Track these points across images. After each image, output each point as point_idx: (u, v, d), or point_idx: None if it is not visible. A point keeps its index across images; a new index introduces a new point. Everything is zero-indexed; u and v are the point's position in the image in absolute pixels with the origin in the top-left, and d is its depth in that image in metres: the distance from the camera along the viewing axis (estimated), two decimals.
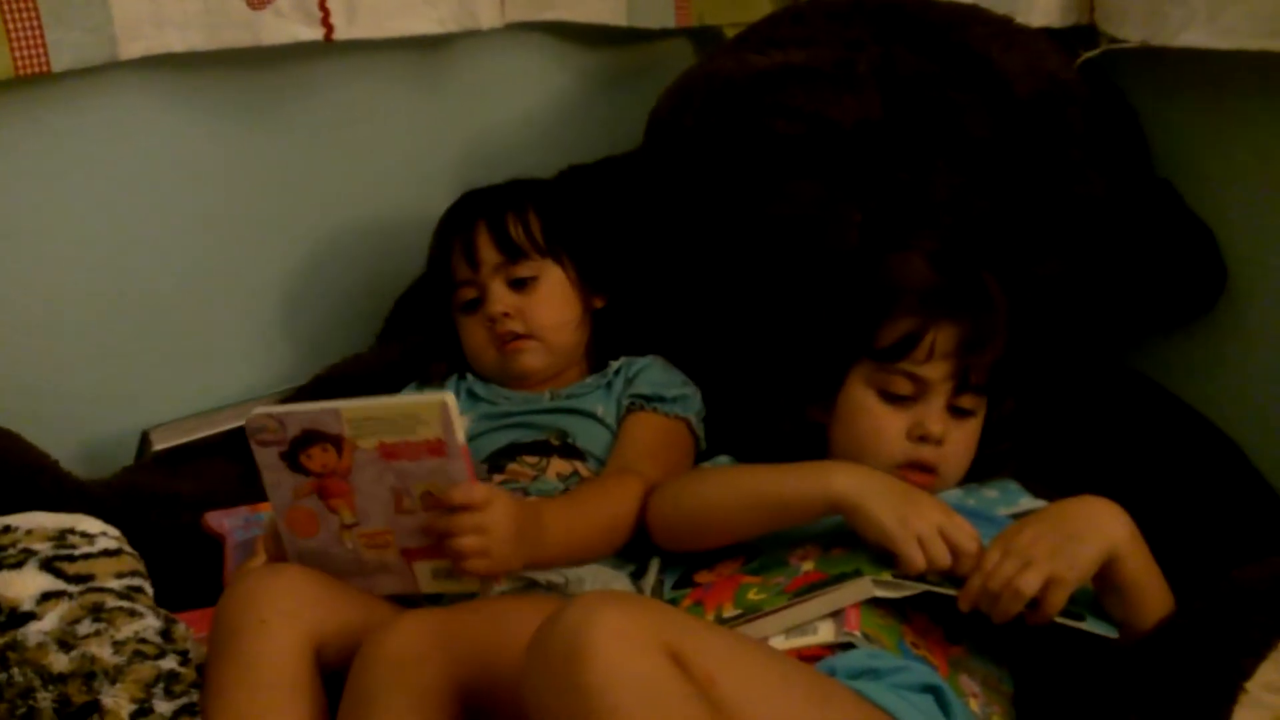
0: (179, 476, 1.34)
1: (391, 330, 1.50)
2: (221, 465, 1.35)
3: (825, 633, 1.01)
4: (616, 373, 1.34)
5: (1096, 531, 1.00)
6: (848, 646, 1.00)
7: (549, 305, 1.32)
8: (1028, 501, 1.19)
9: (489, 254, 1.32)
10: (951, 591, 1.01)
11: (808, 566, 1.06)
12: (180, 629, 1.00)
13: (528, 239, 1.32)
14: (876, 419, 1.15)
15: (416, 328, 1.44)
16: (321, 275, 1.49)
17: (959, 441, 1.16)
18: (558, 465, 1.25)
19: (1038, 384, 1.26)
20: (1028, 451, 1.24)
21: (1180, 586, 1.04)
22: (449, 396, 0.98)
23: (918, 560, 1.00)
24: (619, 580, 1.14)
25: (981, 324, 1.15)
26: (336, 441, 1.00)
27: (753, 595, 1.06)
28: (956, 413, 1.16)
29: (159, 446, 1.36)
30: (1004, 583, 0.98)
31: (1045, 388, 1.28)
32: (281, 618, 0.98)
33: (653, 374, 1.33)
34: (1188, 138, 1.35)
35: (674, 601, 1.11)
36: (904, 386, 1.14)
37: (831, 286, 1.22)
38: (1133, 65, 1.34)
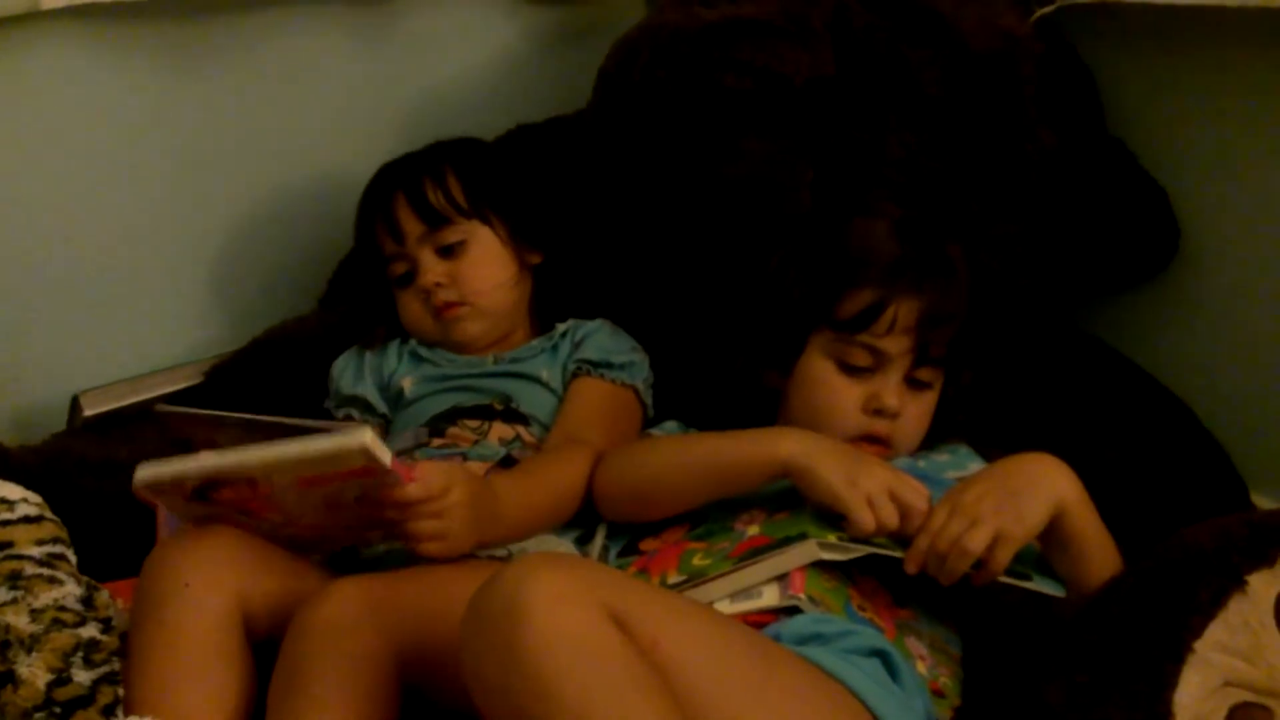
0: (111, 442, 1.29)
1: (334, 293, 1.46)
2: (156, 430, 1.31)
3: (770, 597, 0.99)
4: (563, 336, 1.30)
5: (1043, 487, 0.98)
6: (794, 611, 0.98)
7: (481, 268, 1.28)
8: (977, 466, 1.17)
9: (411, 224, 1.28)
10: (898, 553, 0.99)
11: (753, 531, 1.04)
12: (103, 596, 0.96)
13: (448, 203, 1.28)
14: (833, 390, 1.13)
15: (358, 292, 1.40)
16: (260, 235, 1.45)
17: (914, 414, 1.14)
18: (500, 430, 1.22)
19: (995, 353, 1.24)
20: (980, 415, 1.23)
21: (1129, 546, 1.02)
22: (367, 436, 0.90)
23: (867, 521, 0.99)
24: (564, 547, 1.11)
25: (944, 297, 1.13)
26: (249, 482, 0.94)
27: (697, 561, 1.03)
28: (913, 385, 1.14)
29: (90, 412, 1.31)
30: (951, 541, 0.96)
31: (1001, 356, 1.26)
32: (205, 583, 0.95)
33: (600, 338, 1.30)
34: (1142, 95, 1.34)
35: (620, 569, 1.09)
36: (862, 358, 1.13)
37: (788, 250, 1.19)
38: (1087, 21, 1.33)
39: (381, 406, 1.30)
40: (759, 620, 0.98)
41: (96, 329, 1.35)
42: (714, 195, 1.28)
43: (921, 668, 1.00)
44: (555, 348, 1.30)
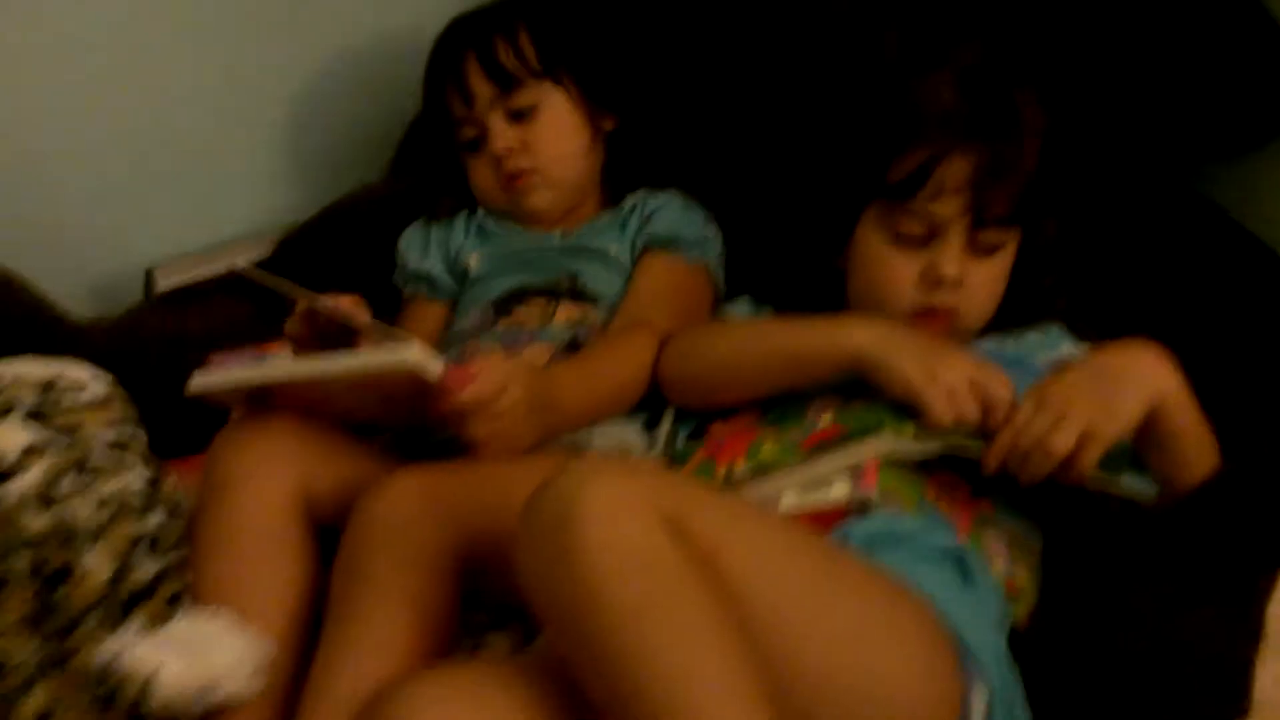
0: (186, 316, 1.29)
1: (404, 160, 1.42)
2: (230, 304, 1.30)
3: (841, 490, 0.95)
4: (633, 210, 1.25)
5: (1139, 380, 0.92)
6: (864, 507, 0.94)
7: (554, 134, 1.23)
8: (1070, 347, 1.11)
9: (482, 87, 1.22)
10: (977, 450, 0.94)
11: (826, 420, 1.00)
12: (170, 481, 0.96)
13: (521, 63, 1.22)
14: (887, 264, 1.07)
15: (427, 160, 1.35)
16: (328, 100, 1.41)
17: (981, 281, 1.07)
18: (567, 310, 1.18)
19: (1084, 209, 1.15)
20: (1076, 289, 1.15)
21: (1233, 445, 0.96)
22: (414, 353, 0.89)
23: (944, 414, 0.94)
24: (630, 433, 1.09)
25: (1000, 150, 1.04)
26: (304, 385, 0.95)
27: (767, 450, 1.00)
28: (978, 249, 1.06)
29: (164, 285, 1.31)
30: (1035, 439, 0.91)
31: (1094, 213, 1.17)
32: (268, 471, 0.95)
33: (671, 212, 1.24)
34: None
35: (686, 455, 1.06)
36: (915, 226, 1.05)
37: (848, 114, 1.11)
38: None
39: (448, 283, 1.27)
40: (828, 516, 0.95)
41: (171, 198, 1.34)
42: (793, 50, 1.20)
43: (998, 565, 0.97)
44: (625, 222, 1.25)
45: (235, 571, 0.93)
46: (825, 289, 1.13)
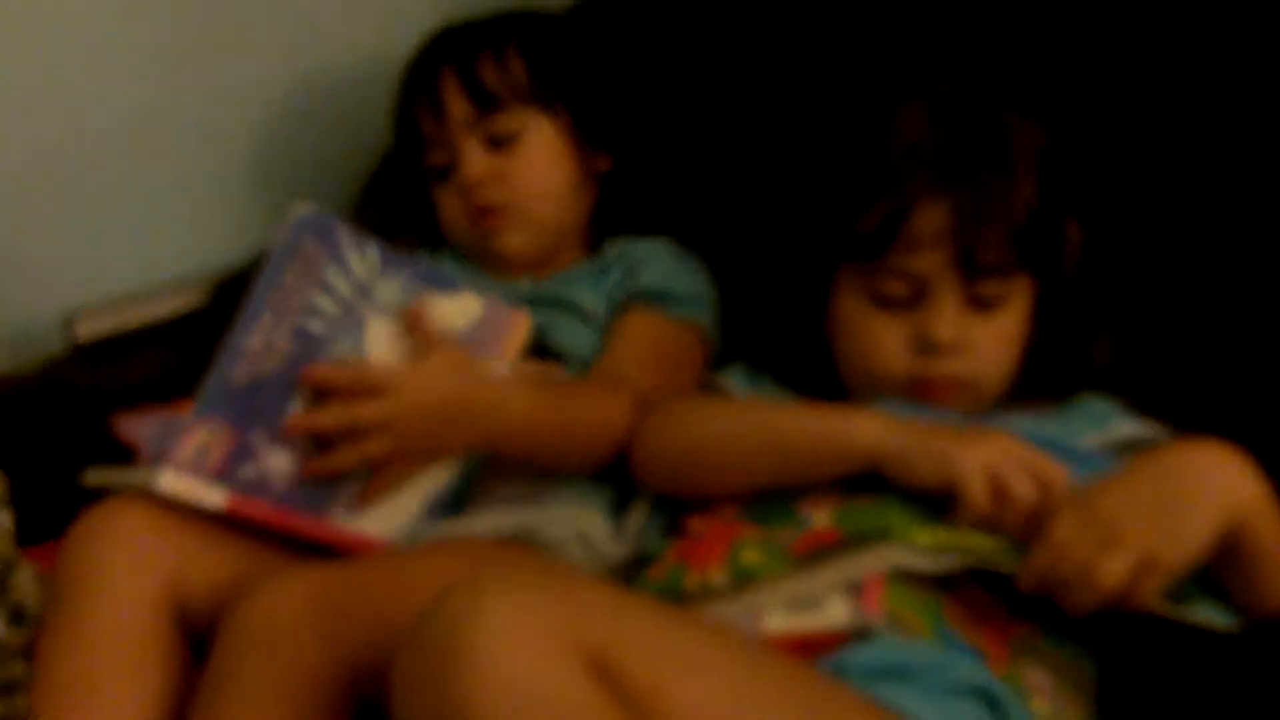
0: (110, 368, 1.15)
1: (372, 195, 1.27)
2: (161, 355, 1.16)
3: (837, 612, 0.76)
4: (615, 259, 1.08)
5: (1211, 494, 0.73)
6: (866, 634, 0.75)
7: (535, 167, 1.06)
8: (1126, 425, 0.90)
9: (458, 105, 1.06)
10: (1011, 564, 0.75)
11: (821, 519, 0.81)
12: (21, 575, 0.80)
13: (506, 85, 1.06)
14: (869, 331, 0.90)
15: (393, 191, 1.20)
16: (281, 129, 1.25)
17: (988, 341, 0.89)
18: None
19: (1120, 236, 0.96)
20: (1122, 339, 0.95)
21: None
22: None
23: (979, 498, 0.75)
24: (592, 520, 0.91)
25: (983, 187, 0.87)
26: None
27: (749, 556, 0.81)
28: (978, 304, 0.88)
29: (85, 332, 1.16)
30: (1080, 565, 0.72)
31: (1136, 241, 0.98)
32: (130, 564, 0.79)
33: (661, 263, 1.07)
34: None
35: (655, 555, 0.88)
36: (896, 286, 0.88)
37: (820, 156, 0.95)
38: None
39: None
40: (823, 642, 0.76)
41: (95, 238, 1.19)
42: (779, 91, 1.05)
43: (1040, 704, 0.77)
44: (604, 270, 1.07)
45: (84, 691, 0.76)
46: (815, 358, 0.95)
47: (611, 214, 1.12)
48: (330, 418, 0.86)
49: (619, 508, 0.94)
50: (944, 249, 0.87)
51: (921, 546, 0.76)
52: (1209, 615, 0.75)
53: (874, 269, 0.89)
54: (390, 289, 0.89)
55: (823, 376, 0.94)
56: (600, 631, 0.61)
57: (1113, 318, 0.95)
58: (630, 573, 0.89)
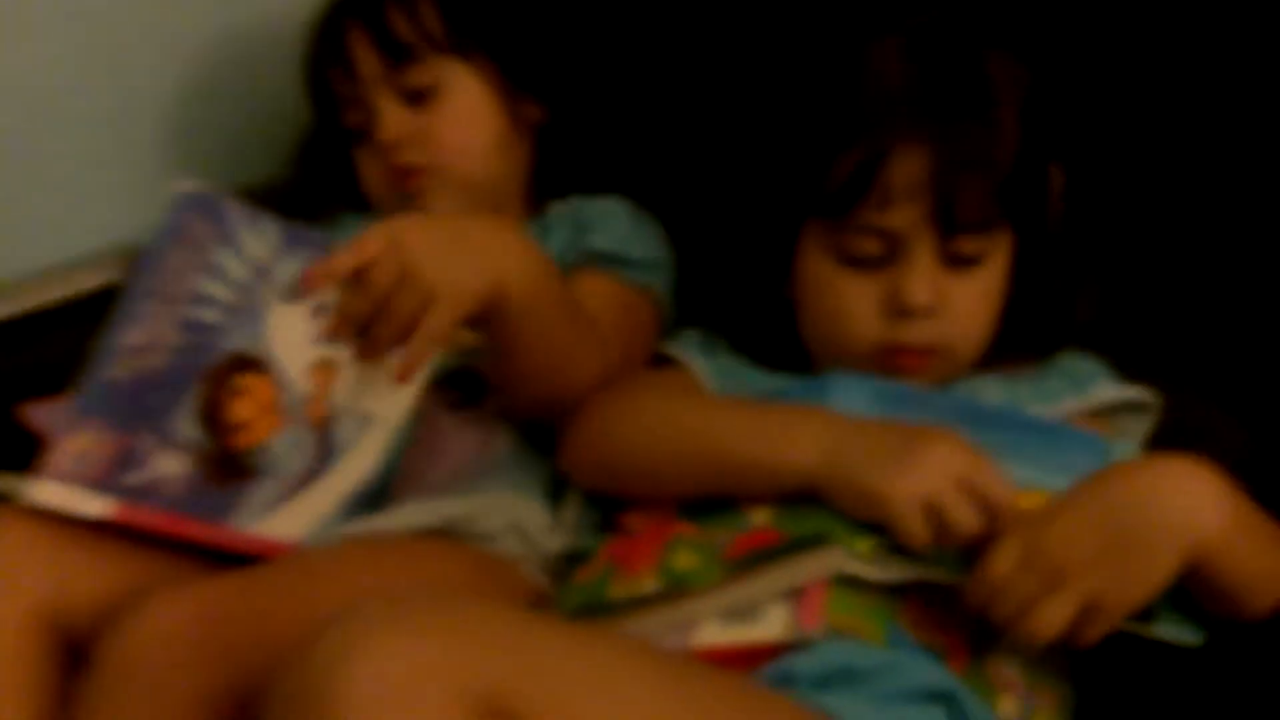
0: (17, 350, 1.07)
1: (304, 162, 1.17)
2: (70, 335, 1.07)
3: (774, 623, 0.70)
4: (562, 219, 1.00)
5: (1169, 531, 0.67)
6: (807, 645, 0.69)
7: (458, 123, 0.98)
8: (1108, 388, 0.85)
9: (368, 60, 0.98)
10: (955, 577, 0.69)
11: (760, 520, 0.74)
12: None
13: (418, 34, 0.97)
14: (837, 293, 0.82)
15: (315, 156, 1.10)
16: (204, 94, 1.16)
17: (966, 302, 0.81)
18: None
19: (1107, 184, 0.89)
20: (1107, 294, 0.89)
21: None
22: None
23: (919, 533, 0.69)
24: (529, 508, 0.84)
25: (966, 134, 0.79)
26: None
27: (684, 560, 0.74)
28: (956, 262, 0.81)
29: None
30: (1019, 606, 0.67)
31: (1123, 189, 0.91)
32: (7, 575, 0.72)
33: (615, 224, 0.99)
34: None
35: (587, 553, 0.82)
36: (867, 245, 0.80)
37: (783, 101, 0.86)
38: None
39: None
40: (761, 653, 0.70)
41: (3, 214, 1.10)
42: (737, 31, 0.96)
43: (1008, 704, 0.72)
44: (547, 230, 0.99)
45: None
46: (777, 324, 0.88)
47: (555, 171, 1.03)
48: (355, 301, 0.76)
49: (557, 494, 0.87)
50: (920, 202, 0.78)
51: (864, 555, 0.70)
52: (1175, 632, 0.69)
53: (843, 226, 0.81)
54: (294, 269, 0.80)
55: (785, 343, 0.87)
56: (498, 672, 0.55)
57: (1097, 270, 0.88)
58: (565, 568, 0.83)
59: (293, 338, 0.81)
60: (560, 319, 0.82)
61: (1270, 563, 0.69)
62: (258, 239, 0.79)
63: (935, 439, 0.71)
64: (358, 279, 0.75)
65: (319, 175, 1.09)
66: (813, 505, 0.73)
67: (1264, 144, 0.88)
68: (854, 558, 0.69)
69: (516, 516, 0.82)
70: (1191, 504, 0.66)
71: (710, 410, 0.80)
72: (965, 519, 0.68)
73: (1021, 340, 0.85)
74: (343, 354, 0.81)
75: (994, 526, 0.68)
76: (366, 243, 0.75)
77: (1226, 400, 0.85)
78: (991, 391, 0.83)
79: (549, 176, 1.04)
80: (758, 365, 0.89)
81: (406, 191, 0.98)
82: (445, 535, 0.81)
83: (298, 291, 0.80)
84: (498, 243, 0.79)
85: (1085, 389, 0.83)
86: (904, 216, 0.79)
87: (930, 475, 0.69)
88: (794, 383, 0.85)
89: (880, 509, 0.69)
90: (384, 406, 0.83)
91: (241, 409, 0.78)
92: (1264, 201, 0.89)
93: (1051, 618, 0.65)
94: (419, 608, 0.56)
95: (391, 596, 0.58)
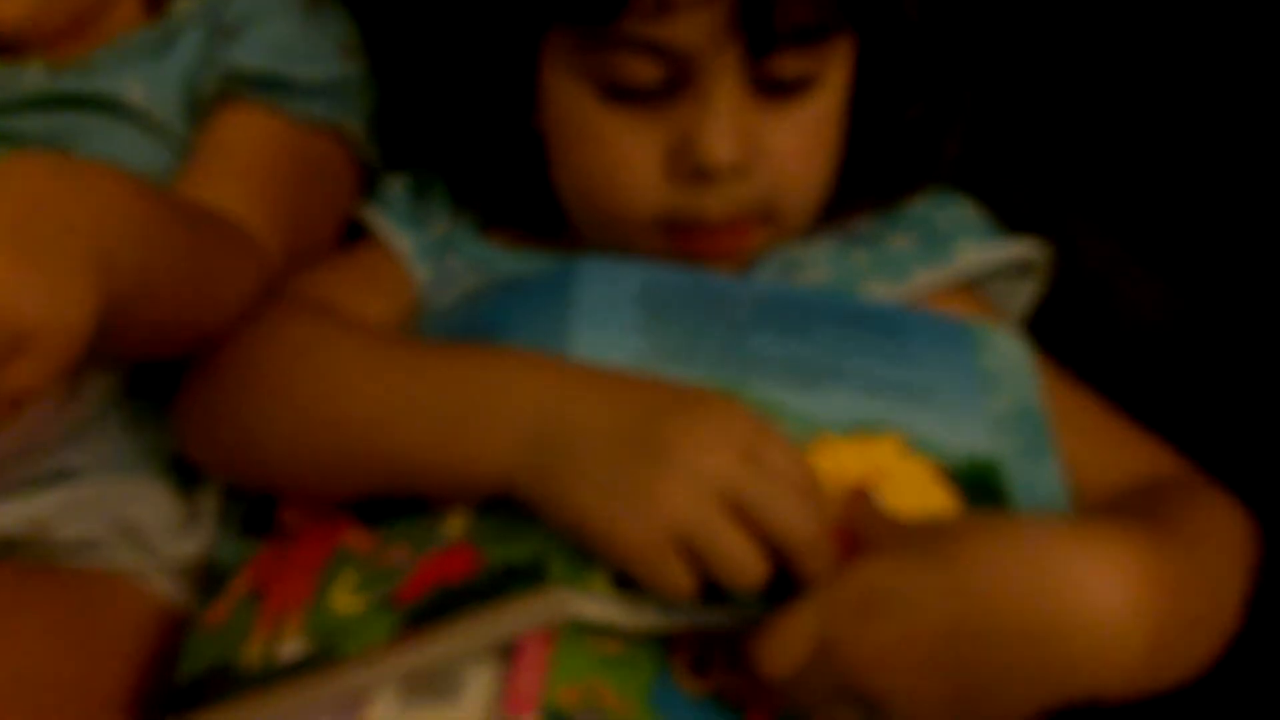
0: None
1: None
2: None
3: (474, 699, 0.45)
4: (193, 18, 0.68)
5: (1056, 674, 0.42)
6: None
7: None
8: (977, 248, 0.59)
9: None
10: (736, 622, 0.45)
11: (455, 530, 0.48)
12: None
13: None
14: (602, 143, 0.55)
15: None
16: None
17: (789, 149, 0.55)
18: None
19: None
20: (980, 123, 0.61)
21: None
22: None
23: (672, 583, 0.44)
24: (149, 504, 0.57)
25: None
26: None
27: (341, 600, 0.48)
28: (775, 90, 0.54)
29: None
30: (807, 704, 0.44)
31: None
32: None
33: (275, 27, 0.66)
34: None
35: (233, 564, 0.54)
36: (642, 70, 0.53)
37: None
38: None
39: None
40: None
41: None
42: None
43: None
44: (171, 41, 0.67)
45: None
46: (523, 170, 0.60)
47: None
48: None
49: (190, 482, 0.59)
50: (717, 4, 0.51)
51: (598, 589, 0.45)
52: None
53: (602, 41, 0.53)
54: None
55: (533, 199, 0.61)
56: None
57: (966, 89, 0.59)
58: (209, 580, 0.57)
59: None
60: (182, 258, 0.51)
61: (1198, 645, 0.46)
62: None
63: (697, 419, 0.45)
64: None
65: None
66: (523, 518, 0.47)
67: None
68: (584, 597, 0.45)
69: (125, 511, 0.56)
70: (1095, 638, 0.41)
71: (371, 376, 0.51)
72: (741, 563, 0.43)
73: (864, 184, 0.58)
74: None
75: (799, 561, 0.44)
76: None
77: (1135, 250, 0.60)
78: (815, 268, 0.57)
79: None
80: (488, 234, 0.62)
81: None
82: (16, 556, 0.54)
83: None
84: (88, 206, 0.47)
85: (946, 251, 0.57)
86: (693, 26, 0.51)
87: (685, 495, 0.43)
88: (533, 266, 0.59)
89: (611, 552, 0.44)
90: None
91: None
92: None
93: None
94: None
95: None
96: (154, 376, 0.58)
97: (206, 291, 0.55)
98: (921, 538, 0.43)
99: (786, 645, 0.42)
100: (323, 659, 0.47)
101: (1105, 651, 0.40)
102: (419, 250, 0.61)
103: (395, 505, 0.51)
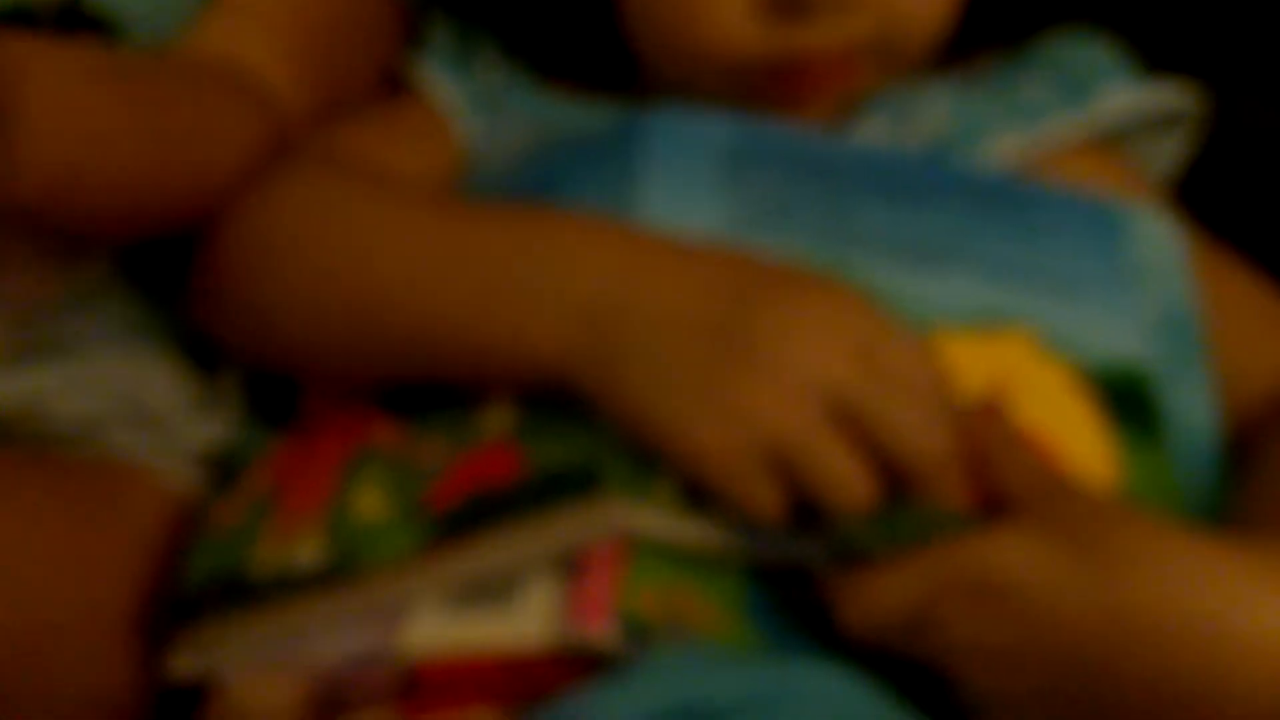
0: None
1: None
2: None
3: (536, 612, 0.39)
4: None
5: (1204, 693, 0.34)
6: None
7: None
8: (1122, 91, 0.50)
9: None
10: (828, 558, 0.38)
11: (497, 425, 0.42)
12: None
13: None
14: None
15: None
16: None
17: None
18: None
19: None
20: None
21: None
22: None
23: (760, 505, 0.36)
24: (158, 379, 0.50)
25: None
26: None
27: (366, 503, 0.42)
28: None
29: None
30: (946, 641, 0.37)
31: None
32: None
33: None
34: None
35: (249, 454, 0.48)
36: None
37: None
38: None
39: None
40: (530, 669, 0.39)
41: None
42: None
43: None
44: None
45: None
46: (584, 17, 0.52)
47: None
48: None
49: (209, 368, 0.52)
50: None
51: (662, 501, 0.38)
52: None
53: None
54: None
55: (597, 44, 0.52)
56: None
57: None
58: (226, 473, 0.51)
59: None
60: (143, 115, 0.45)
61: None
62: None
63: (798, 307, 0.37)
64: None
65: None
66: (576, 418, 0.40)
67: None
68: (644, 510, 0.38)
69: (133, 388, 0.50)
70: (1260, 674, 0.33)
71: (404, 237, 0.43)
72: (849, 483, 0.36)
73: (990, 19, 0.48)
74: None
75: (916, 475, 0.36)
76: None
77: None
78: (933, 116, 0.48)
79: None
80: (546, 83, 0.54)
81: None
82: (8, 437, 0.48)
83: None
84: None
85: (1084, 96, 0.48)
86: None
87: (782, 400, 0.36)
88: (598, 119, 0.51)
89: (683, 459, 0.37)
90: None
91: None
92: None
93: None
94: None
95: None
96: (168, 246, 0.52)
97: (189, 150, 0.48)
98: (1069, 513, 0.35)
99: (877, 602, 0.35)
100: (346, 567, 0.41)
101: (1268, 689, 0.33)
102: (468, 101, 0.53)
103: (430, 398, 0.44)
